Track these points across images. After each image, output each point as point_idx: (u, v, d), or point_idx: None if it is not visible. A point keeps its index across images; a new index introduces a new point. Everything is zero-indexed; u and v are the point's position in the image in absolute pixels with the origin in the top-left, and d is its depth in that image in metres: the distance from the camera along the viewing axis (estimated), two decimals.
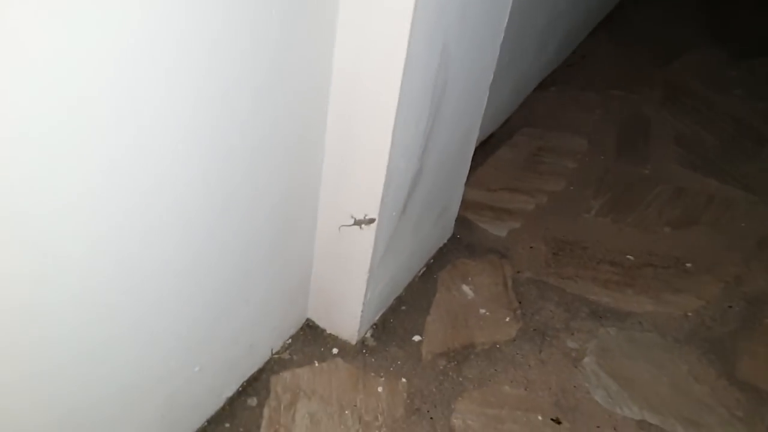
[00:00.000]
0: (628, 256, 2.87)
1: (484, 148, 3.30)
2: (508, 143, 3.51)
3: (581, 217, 3.08)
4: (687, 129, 3.75)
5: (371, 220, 1.81)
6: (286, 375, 2.10)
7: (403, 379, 2.15)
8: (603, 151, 3.65)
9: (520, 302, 2.57)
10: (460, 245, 2.82)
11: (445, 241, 2.85)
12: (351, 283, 2.04)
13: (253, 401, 2.03)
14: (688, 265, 2.80)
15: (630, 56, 4.42)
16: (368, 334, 2.33)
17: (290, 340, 2.25)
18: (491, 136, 3.40)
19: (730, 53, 4.52)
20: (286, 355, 2.18)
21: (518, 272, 2.74)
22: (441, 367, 2.22)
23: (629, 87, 4.09)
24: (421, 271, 2.65)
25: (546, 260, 2.81)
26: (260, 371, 2.12)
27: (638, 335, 2.45)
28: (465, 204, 2.75)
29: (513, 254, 2.83)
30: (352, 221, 1.83)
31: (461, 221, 2.83)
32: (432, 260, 2.69)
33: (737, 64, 4.44)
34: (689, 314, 2.55)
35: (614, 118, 3.81)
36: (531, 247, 2.89)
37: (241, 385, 2.04)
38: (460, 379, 2.19)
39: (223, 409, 1.95)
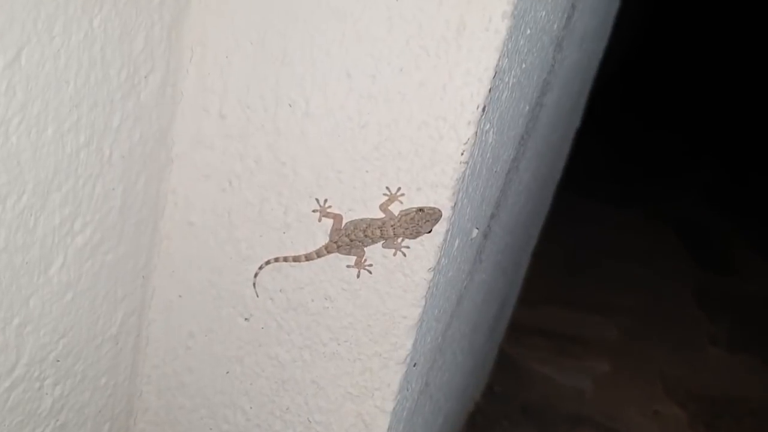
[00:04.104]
0: None
1: None
2: None
3: (708, 353, 2.04)
4: None
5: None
6: None
7: None
8: (672, 256, 2.70)
9: None
10: (508, 406, 1.62)
11: (478, 397, 1.58)
12: None
13: None
14: None
15: (626, 164, 3.89)
16: None
17: None
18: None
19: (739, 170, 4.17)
20: None
21: None
22: None
23: (653, 187, 3.49)
24: None
25: None
26: None
27: None
28: None
29: (630, 428, 1.58)
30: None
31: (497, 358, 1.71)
32: None
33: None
34: None
35: (658, 217, 3.10)
36: (656, 412, 1.70)
37: None
38: None
39: None
